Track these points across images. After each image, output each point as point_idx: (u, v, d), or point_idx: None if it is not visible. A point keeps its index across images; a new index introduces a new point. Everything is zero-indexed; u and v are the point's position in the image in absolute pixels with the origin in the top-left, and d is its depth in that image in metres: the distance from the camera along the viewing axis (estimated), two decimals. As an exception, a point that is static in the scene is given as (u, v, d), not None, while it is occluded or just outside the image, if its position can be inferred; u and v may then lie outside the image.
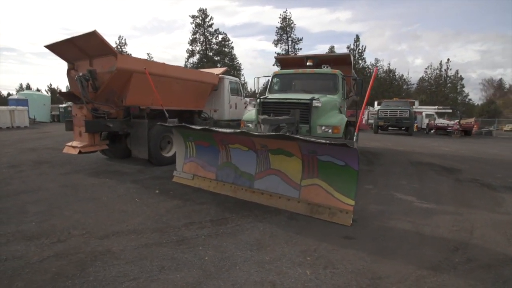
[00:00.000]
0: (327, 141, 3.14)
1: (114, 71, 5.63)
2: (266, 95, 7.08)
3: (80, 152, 5.72)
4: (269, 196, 4.15)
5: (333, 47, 52.09)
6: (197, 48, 48.42)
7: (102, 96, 5.95)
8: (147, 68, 6.08)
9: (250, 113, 6.50)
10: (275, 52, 52.59)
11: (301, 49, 53.74)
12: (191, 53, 48.00)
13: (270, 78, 7.18)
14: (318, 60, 7.29)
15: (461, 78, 47.83)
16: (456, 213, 3.98)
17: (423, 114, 23.10)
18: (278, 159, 4.13)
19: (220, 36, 49.16)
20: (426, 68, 56.94)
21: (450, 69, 47.44)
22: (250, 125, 6.05)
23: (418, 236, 3.22)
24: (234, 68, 47.77)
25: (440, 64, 48.28)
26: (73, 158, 7.22)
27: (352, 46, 48.14)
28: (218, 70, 8.90)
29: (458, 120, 19.45)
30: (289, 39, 52.68)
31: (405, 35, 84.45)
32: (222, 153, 4.72)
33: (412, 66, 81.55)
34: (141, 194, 4.42)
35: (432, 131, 20.86)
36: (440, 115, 23.33)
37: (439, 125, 20.04)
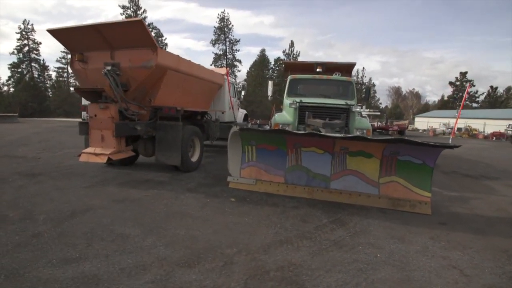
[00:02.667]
0: (438, 144, 3.72)
1: (152, 67, 4.99)
2: (284, 98, 7.33)
3: (109, 160, 4.85)
4: (349, 195, 4.49)
5: (264, 49, 55.04)
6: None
7: (130, 94, 5.17)
8: (179, 65, 5.61)
9: (282, 115, 6.63)
10: (213, 53, 52.14)
11: (238, 50, 54.64)
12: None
13: (287, 82, 7.43)
14: (325, 67, 7.92)
15: (374, 85, 57.12)
16: (476, 198, 5.11)
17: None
18: (355, 160, 4.50)
19: (153, 32, 45.64)
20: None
21: (365, 77, 56.14)
22: (286, 127, 6.19)
23: (482, 217, 4.08)
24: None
25: (357, 72, 56.58)
26: (69, 168, 5.98)
27: (287, 51, 51.67)
28: (221, 70, 8.61)
29: (384, 122, 23.30)
30: (227, 39, 52.95)
31: (321, 43, 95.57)
32: (290, 156, 4.80)
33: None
34: (221, 204, 4.13)
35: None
36: (372, 117, 27.44)
37: (382, 126, 23.39)
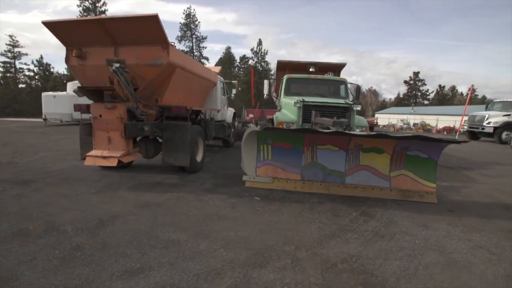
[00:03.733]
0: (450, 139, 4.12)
1: (163, 65, 4.77)
2: (282, 97, 7.47)
3: (119, 163, 4.55)
4: (363, 189, 4.77)
5: (229, 47, 54.86)
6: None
7: (138, 94, 4.88)
8: (185, 62, 5.45)
9: (284, 114, 6.73)
10: (179, 49, 50.50)
11: (205, 47, 53.62)
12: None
13: (284, 81, 7.57)
14: (317, 67, 8.23)
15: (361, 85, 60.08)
16: (464, 186, 5.74)
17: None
18: (368, 156, 4.79)
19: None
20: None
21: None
22: (291, 126, 6.32)
23: (478, 203, 4.62)
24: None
25: None
26: (62, 173, 5.47)
27: (255, 49, 51.96)
28: (216, 69, 8.44)
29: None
30: (193, 36, 51.71)
31: (284, 42, 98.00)
32: (306, 154, 4.95)
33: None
34: (249, 203, 4.13)
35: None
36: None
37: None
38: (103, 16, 4.72)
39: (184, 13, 50.21)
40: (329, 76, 7.72)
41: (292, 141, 4.90)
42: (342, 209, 4.05)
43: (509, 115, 13.28)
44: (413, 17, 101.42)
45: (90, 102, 5.01)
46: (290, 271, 2.39)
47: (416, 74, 60.23)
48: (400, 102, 60.80)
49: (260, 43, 52.04)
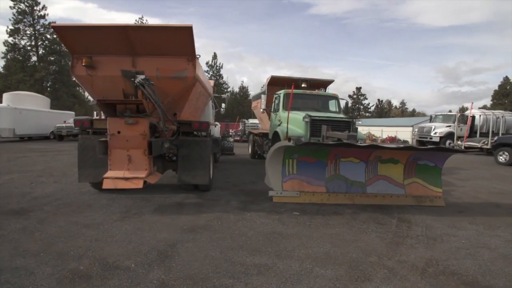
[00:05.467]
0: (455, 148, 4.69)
1: (187, 78, 4.53)
2: (281, 111, 7.64)
3: (144, 184, 4.09)
4: (382, 197, 5.12)
5: None
6: (23, 42, 35.45)
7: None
8: (203, 76, 5.28)
9: (290, 128, 6.85)
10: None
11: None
12: (13, 47, 34.49)
13: (282, 96, 7.76)
14: (309, 83, 8.67)
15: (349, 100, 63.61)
16: (452, 190, 6.56)
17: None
18: (385, 166, 5.19)
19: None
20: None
21: None
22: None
23: (474, 204, 5.33)
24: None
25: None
26: (56, 199, 4.68)
27: (210, 63, 51.89)
28: (210, 82, 8.22)
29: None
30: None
31: (233, 55, 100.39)
32: (329, 167, 5.13)
33: (239, 83, 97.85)
34: (294, 218, 4.09)
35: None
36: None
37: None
38: (128, 23, 4.25)
39: (136, 23, 47.90)
40: (322, 92, 8.19)
41: (317, 155, 5.05)
42: (379, 217, 4.28)
43: (450, 126, 15.71)
44: (349, 37, 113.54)
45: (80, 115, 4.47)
46: (396, 280, 2.46)
47: (358, 89, 66.97)
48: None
49: (215, 56, 52.22)
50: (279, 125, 7.56)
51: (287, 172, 5.07)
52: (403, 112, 67.94)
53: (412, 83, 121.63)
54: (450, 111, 46.60)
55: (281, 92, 7.85)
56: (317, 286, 2.35)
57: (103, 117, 5.64)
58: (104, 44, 4.30)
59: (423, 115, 62.88)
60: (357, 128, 6.56)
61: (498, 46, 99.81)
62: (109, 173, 4.15)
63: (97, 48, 4.33)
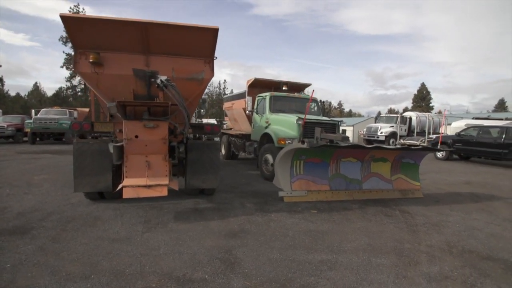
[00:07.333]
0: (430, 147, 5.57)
1: (204, 80, 4.42)
2: (267, 114, 7.87)
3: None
4: (376, 192, 5.77)
5: None
6: None
7: (172, 110, 4.27)
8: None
9: (282, 130, 7.07)
10: (64, 52, 42.53)
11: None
12: None
13: (267, 98, 7.97)
14: (288, 85, 9.09)
15: (325, 101, 65.09)
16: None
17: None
18: (376, 164, 5.85)
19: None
20: (209, 86, 71.01)
21: (227, 88, 62.52)
22: (290, 141, 6.74)
23: (449, 193, 6.37)
24: None
25: (219, 83, 62.29)
26: (53, 213, 4.08)
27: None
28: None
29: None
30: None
31: None
32: (331, 166, 5.56)
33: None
34: (315, 216, 4.34)
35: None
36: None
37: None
38: (147, 20, 3.57)
39: (70, 11, 42.42)
40: (304, 95, 8.65)
41: (322, 155, 5.42)
42: (383, 210, 4.84)
43: (393, 126, 18.02)
44: (290, 39, 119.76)
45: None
46: (439, 261, 2.92)
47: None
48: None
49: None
50: (266, 127, 7.75)
51: (295, 172, 5.32)
52: (341, 112, 74.34)
53: (347, 85, 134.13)
54: (388, 112, 52.62)
55: (267, 94, 8.06)
56: (390, 273, 2.65)
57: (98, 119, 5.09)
58: (115, 40, 3.93)
59: (359, 115, 69.94)
60: (345, 130, 7.16)
61: (416, 55, 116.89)
62: (128, 181, 3.82)
63: (108, 44, 3.93)
